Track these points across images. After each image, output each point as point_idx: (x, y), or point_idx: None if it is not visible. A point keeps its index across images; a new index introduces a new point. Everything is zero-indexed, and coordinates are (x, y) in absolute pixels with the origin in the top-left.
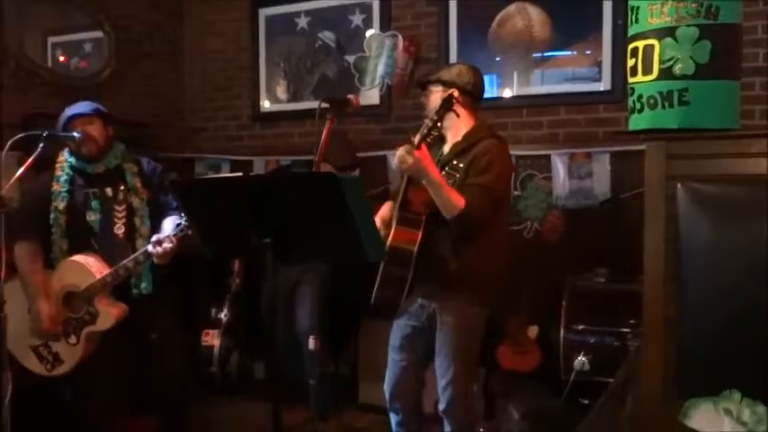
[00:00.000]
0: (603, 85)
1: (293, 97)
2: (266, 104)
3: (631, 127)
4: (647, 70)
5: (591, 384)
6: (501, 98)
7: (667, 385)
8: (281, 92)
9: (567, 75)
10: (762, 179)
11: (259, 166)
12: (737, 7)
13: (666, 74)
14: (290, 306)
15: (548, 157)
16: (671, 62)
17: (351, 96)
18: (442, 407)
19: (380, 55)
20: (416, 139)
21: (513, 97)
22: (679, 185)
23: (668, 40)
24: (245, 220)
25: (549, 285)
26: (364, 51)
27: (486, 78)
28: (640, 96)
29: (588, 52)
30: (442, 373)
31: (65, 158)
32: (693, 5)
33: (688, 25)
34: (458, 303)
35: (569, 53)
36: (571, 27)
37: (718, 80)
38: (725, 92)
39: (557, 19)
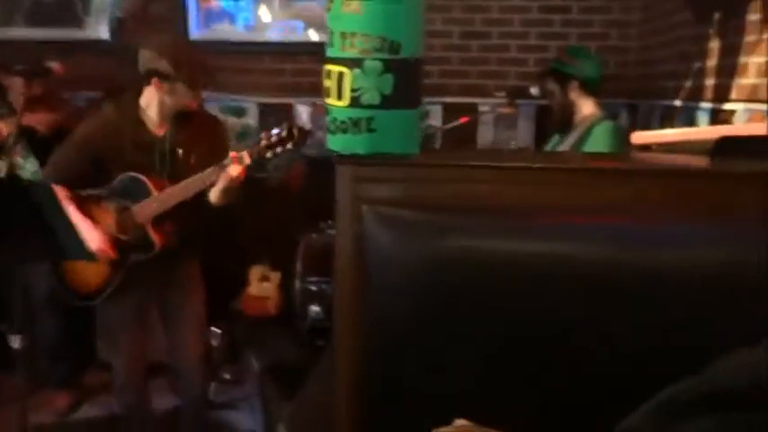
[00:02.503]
0: None
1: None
2: None
3: (329, 145)
4: (340, 96)
5: (326, 330)
6: (246, 43)
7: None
8: None
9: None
10: (439, 203)
11: None
12: (417, 45)
13: (356, 102)
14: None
15: (291, 106)
16: (359, 92)
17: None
18: None
19: None
20: None
21: (256, 43)
22: (365, 207)
23: (357, 70)
24: None
25: (291, 234)
26: None
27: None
28: (335, 119)
29: None
30: None
31: None
32: (378, 40)
33: (374, 59)
34: None
35: None
36: None
37: (401, 110)
38: (407, 120)
39: None
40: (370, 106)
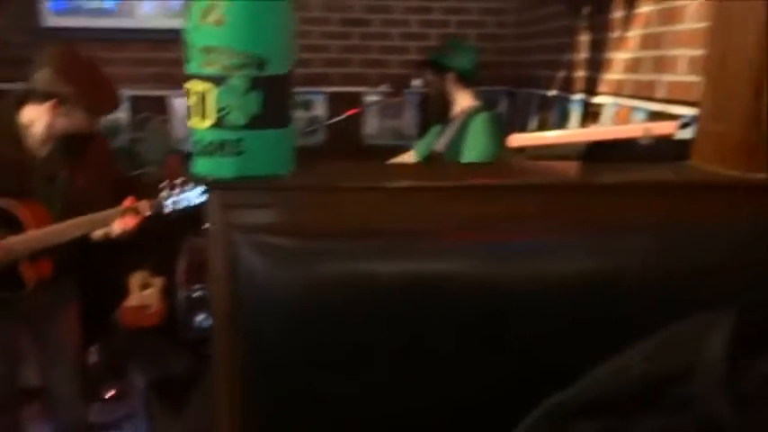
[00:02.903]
0: None
1: None
2: None
3: (196, 169)
4: (204, 115)
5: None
6: (114, 30)
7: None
8: None
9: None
10: (313, 228)
11: None
12: (286, 59)
13: (221, 123)
14: None
15: (165, 99)
16: (225, 111)
17: None
18: None
19: None
20: None
21: (126, 30)
22: (236, 234)
23: (221, 89)
24: None
25: (174, 236)
26: None
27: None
28: (200, 141)
29: None
30: None
31: None
32: (243, 56)
33: (239, 76)
34: None
35: None
36: None
37: (271, 130)
38: (278, 140)
39: None
40: (237, 127)
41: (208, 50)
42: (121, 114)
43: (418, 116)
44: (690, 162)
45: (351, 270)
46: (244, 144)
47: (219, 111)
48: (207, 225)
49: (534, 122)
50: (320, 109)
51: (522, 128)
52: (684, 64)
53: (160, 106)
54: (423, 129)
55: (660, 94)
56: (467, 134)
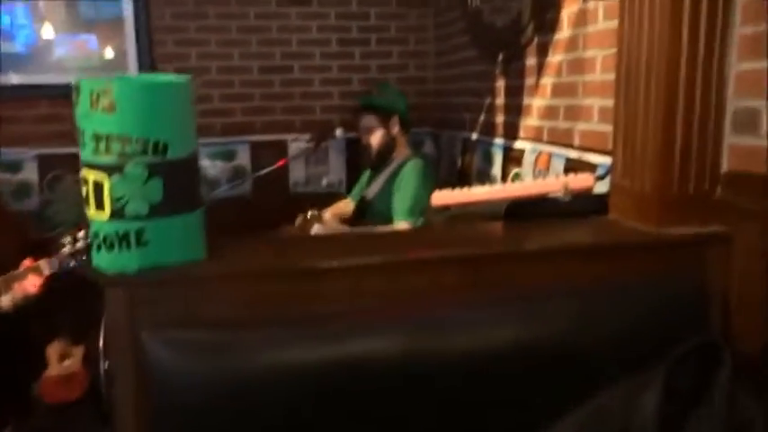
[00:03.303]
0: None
1: None
2: None
3: (96, 263)
4: (100, 206)
5: None
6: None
7: None
8: None
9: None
10: (225, 318)
11: None
12: (188, 142)
13: (120, 214)
14: None
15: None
16: (123, 202)
17: None
18: None
19: None
20: None
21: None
22: (144, 333)
23: (117, 177)
24: None
25: (90, 299)
26: None
27: None
28: (97, 234)
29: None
30: None
31: None
32: (139, 143)
33: (136, 163)
34: None
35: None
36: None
37: (175, 216)
38: (185, 226)
39: None
40: (138, 217)
41: (100, 138)
42: (30, 175)
43: (344, 160)
44: (609, 217)
45: (268, 359)
46: (147, 234)
47: (117, 201)
48: (110, 325)
49: (458, 164)
50: (244, 158)
51: (449, 169)
52: (597, 113)
53: (72, 164)
54: (350, 173)
55: (576, 141)
56: (399, 181)
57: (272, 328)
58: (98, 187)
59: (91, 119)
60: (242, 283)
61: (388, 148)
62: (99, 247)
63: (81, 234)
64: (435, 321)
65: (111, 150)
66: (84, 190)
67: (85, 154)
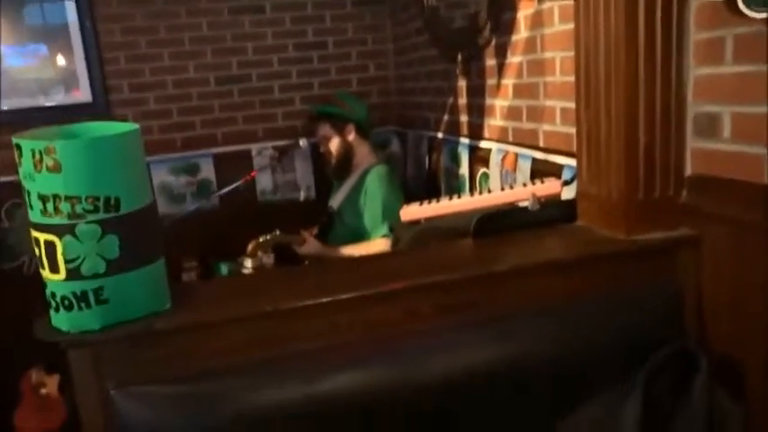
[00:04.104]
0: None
1: None
2: None
3: (56, 325)
4: (54, 269)
5: None
6: None
7: None
8: None
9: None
10: (197, 369)
11: None
12: (142, 192)
13: (75, 274)
14: None
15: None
16: (78, 261)
17: None
18: None
19: None
20: None
21: None
22: (113, 392)
23: (69, 238)
24: None
25: None
26: None
27: None
28: (54, 294)
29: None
30: None
31: None
32: (90, 201)
33: (88, 222)
34: None
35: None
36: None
37: (134, 270)
38: (145, 279)
39: None
40: (95, 276)
41: (47, 198)
42: None
43: (311, 166)
44: (578, 224)
45: (243, 406)
46: (106, 292)
47: (71, 262)
48: (77, 386)
49: (427, 163)
50: (208, 171)
51: (417, 168)
52: (559, 115)
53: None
54: (317, 178)
55: (541, 143)
56: (364, 192)
57: (246, 374)
58: (50, 248)
59: (35, 180)
60: (209, 331)
61: (346, 155)
62: (57, 308)
63: None
64: (411, 351)
65: (61, 211)
66: (36, 251)
67: (34, 215)
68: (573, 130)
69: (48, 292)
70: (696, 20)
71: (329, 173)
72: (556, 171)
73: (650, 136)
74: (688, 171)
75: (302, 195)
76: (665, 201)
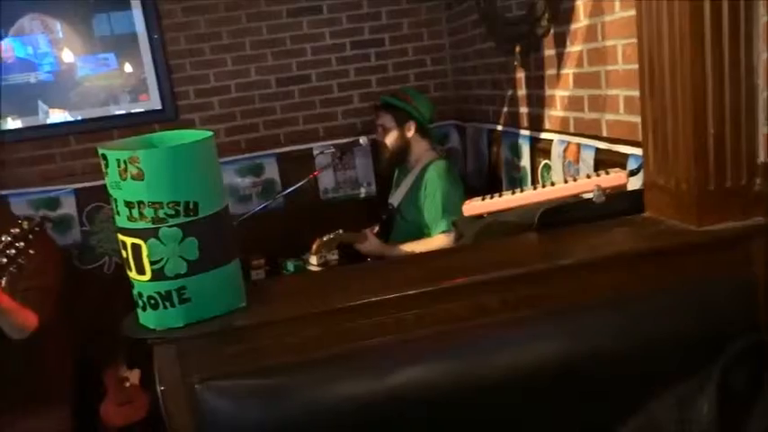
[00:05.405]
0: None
1: None
2: None
3: (143, 322)
4: (140, 270)
5: None
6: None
7: None
8: None
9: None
10: (275, 364)
11: None
12: (218, 196)
13: (159, 275)
14: None
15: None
16: (161, 263)
17: None
18: None
19: None
20: None
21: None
22: (197, 385)
23: (153, 241)
24: None
25: None
26: None
27: None
28: (141, 294)
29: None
30: None
31: None
32: (171, 206)
33: (170, 226)
34: None
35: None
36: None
37: (213, 271)
38: (224, 279)
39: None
40: (178, 276)
41: (132, 205)
42: (68, 210)
43: (371, 163)
44: (646, 215)
45: (318, 399)
46: (188, 291)
47: (155, 263)
48: (163, 381)
49: (487, 156)
50: (272, 171)
51: (477, 161)
52: (623, 104)
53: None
54: (378, 174)
55: (604, 132)
56: (424, 187)
57: (317, 369)
58: (136, 251)
59: (121, 188)
60: (283, 327)
61: (400, 150)
62: (144, 307)
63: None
64: (478, 346)
65: (145, 216)
66: (123, 254)
67: (120, 221)
68: (638, 120)
69: (135, 292)
70: (766, 3)
71: (380, 163)
72: (620, 161)
73: (720, 124)
74: (761, 158)
75: (363, 192)
76: (737, 190)
